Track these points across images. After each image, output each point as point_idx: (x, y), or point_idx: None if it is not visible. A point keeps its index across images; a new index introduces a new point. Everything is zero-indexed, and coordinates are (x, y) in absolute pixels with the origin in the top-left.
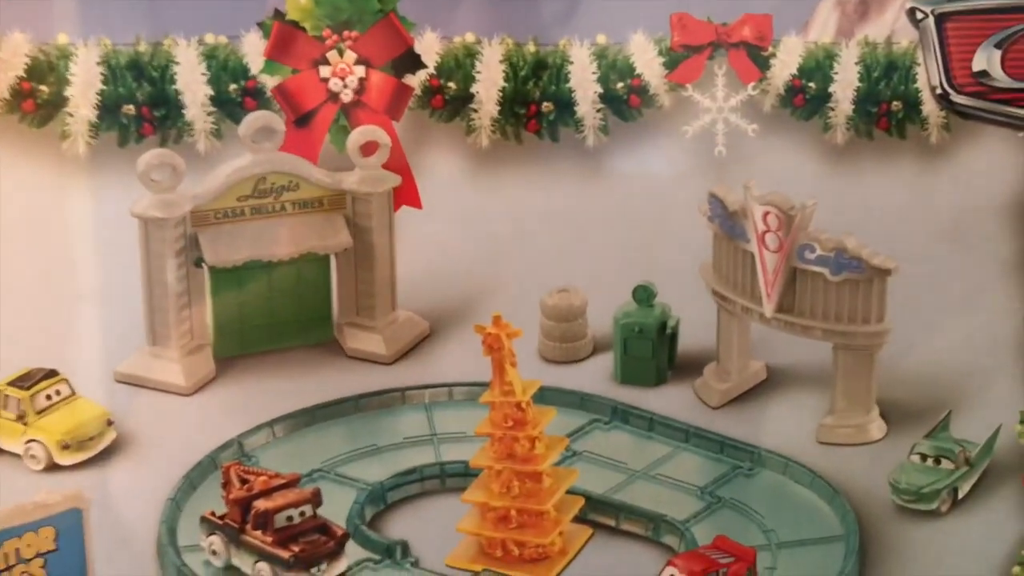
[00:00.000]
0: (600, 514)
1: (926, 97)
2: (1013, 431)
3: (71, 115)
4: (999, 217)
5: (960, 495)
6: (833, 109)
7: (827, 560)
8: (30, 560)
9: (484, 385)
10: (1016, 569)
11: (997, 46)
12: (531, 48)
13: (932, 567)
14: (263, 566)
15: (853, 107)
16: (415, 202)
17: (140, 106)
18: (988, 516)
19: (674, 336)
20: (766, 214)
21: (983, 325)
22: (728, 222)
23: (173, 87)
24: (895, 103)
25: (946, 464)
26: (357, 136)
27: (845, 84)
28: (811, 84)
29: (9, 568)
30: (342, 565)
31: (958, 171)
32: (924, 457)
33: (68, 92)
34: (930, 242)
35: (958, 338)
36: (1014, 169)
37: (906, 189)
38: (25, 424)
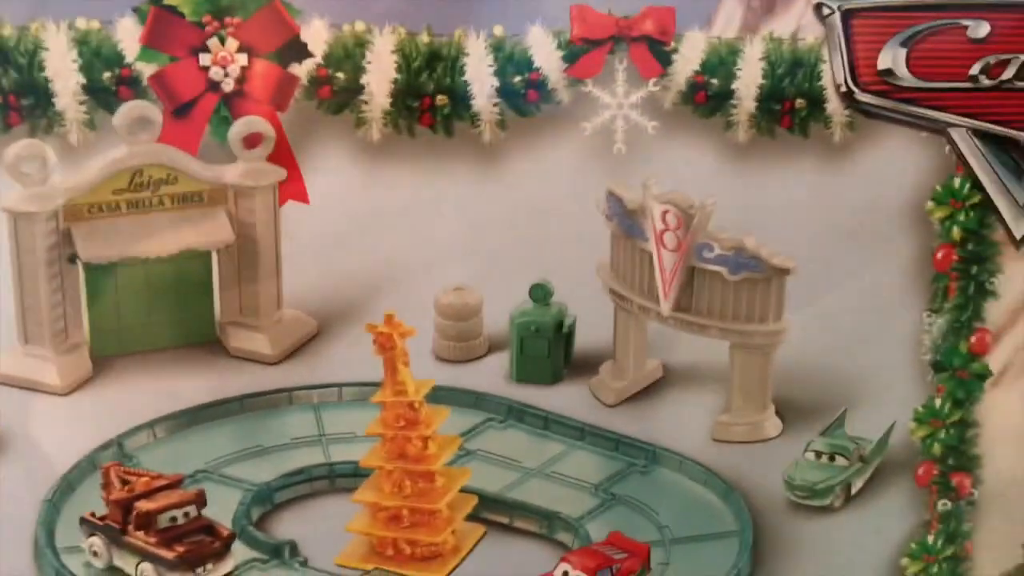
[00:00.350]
0: (494, 512)
1: (831, 95)
2: (907, 428)
3: None
4: (899, 217)
5: (853, 491)
6: (736, 106)
7: (721, 555)
8: None
9: (375, 385)
10: (905, 561)
11: (903, 44)
12: (425, 39)
13: (825, 561)
14: (147, 567)
15: (756, 104)
16: (302, 196)
17: (6, 94)
18: (880, 511)
19: (570, 335)
20: (665, 212)
21: (880, 324)
22: (626, 220)
23: (42, 74)
24: (799, 101)
25: (840, 461)
26: (240, 127)
27: (749, 81)
28: (714, 80)
29: None
30: (228, 565)
31: (860, 171)
32: (819, 454)
33: None
34: (830, 241)
35: (855, 337)
36: (915, 169)
37: (808, 188)
38: None
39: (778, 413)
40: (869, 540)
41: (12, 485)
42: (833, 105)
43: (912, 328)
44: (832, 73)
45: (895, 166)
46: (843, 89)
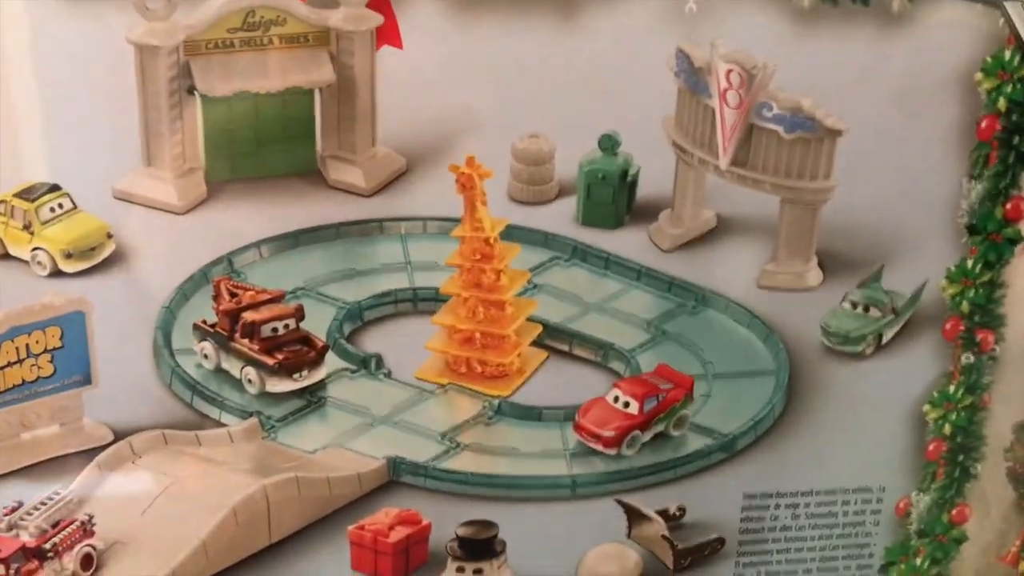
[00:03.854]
0: (556, 340)
1: None
2: (938, 286)
3: None
4: (949, 87)
5: (884, 340)
6: None
7: (758, 391)
8: (39, 355)
9: (456, 220)
10: (926, 407)
11: None
12: None
13: (853, 402)
14: (250, 370)
15: None
16: (396, 42)
17: None
18: (908, 360)
19: (634, 183)
20: (729, 72)
21: (921, 187)
22: (693, 78)
23: None
24: None
25: (874, 312)
26: None
27: None
28: None
29: (20, 361)
30: (321, 373)
31: (915, 40)
32: (855, 305)
33: None
34: (881, 106)
35: (897, 198)
36: (969, 42)
37: (864, 55)
38: (31, 233)
39: (820, 265)
40: (895, 386)
41: (133, 292)
42: None
43: (951, 192)
44: None
45: (949, 38)
46: None
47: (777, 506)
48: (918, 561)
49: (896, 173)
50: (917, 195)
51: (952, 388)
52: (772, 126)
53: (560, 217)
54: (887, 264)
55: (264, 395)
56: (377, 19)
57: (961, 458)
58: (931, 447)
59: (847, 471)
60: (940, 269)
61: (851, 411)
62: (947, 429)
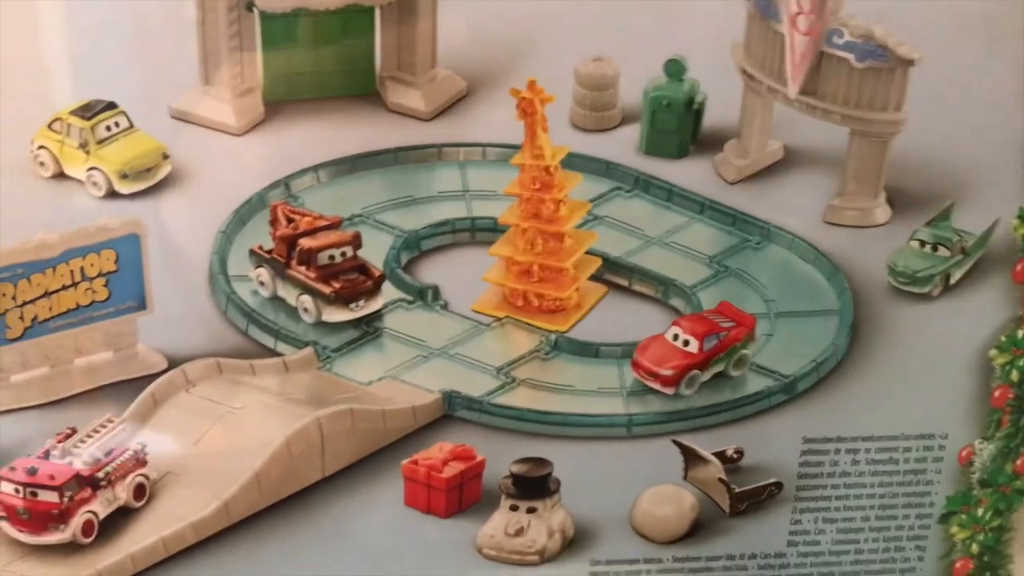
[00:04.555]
0: (615, 274)
1: None
2: (1010, 225)
3: None
4: None
5: (952, 281)
6: None
7: (821, 332)
8: (93, 279)
9: (516, 147)
10: (993, 352)
11: None
12: None
13: (918, 345)
14: (306, 299)
15: None
16: None
17: None
18: (975, 303)
19: (700, 111)
20: None
21: (995, 123)
22: (763, 1)
23: None
24: None
25: (942, 251)
26: None
27: None
28: None
29: (74, 284)
30: (378, 303)
31: None
32: (923, 243)
33: None
34: (956, 36)
35: (970, 133)
36: None
37: None
38: (87, 153)
39: (889, 201)
40: (962, 329)
41: (189, 216)
42: None
43: None
44: None
45: None
46: None
47: (837, 451)
48: (979, 511)
49: (970, 107)
50: (992, 130)
51: (1021, 333)
52: (843, 54)
53: (623, 145)
54: (957, 202)
55: (320, 324)
56: None
57: None
58: (996, 394)
59: (909, 416)
60: (1012, 208)
61: (915, 354)
62: (1014, 375)
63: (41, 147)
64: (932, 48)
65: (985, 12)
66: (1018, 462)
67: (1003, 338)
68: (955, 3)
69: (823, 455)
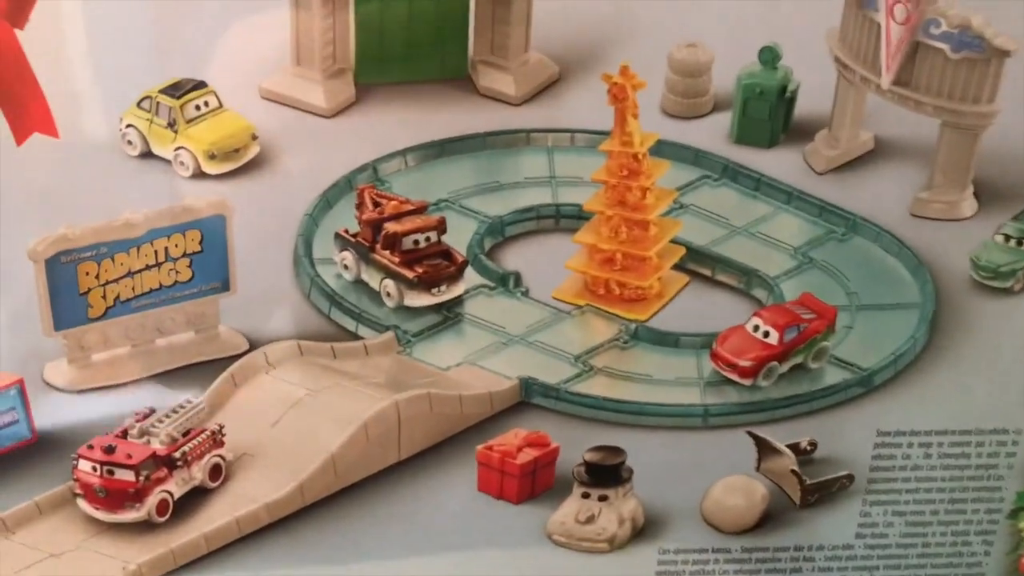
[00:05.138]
0: (698, 264)
1: None
2: None
3: None
4: None
5: None
6: None
7: (901, 324)
8: (177, 259)
9: (605, 133)
10: None
11: None
12: None
13: (998, 341)
14: (389, 283)
15: None
16: None
17: None
18: None
19: (792, 100)
20: None
21: None
22: None
23: None
24: None
25: None
26: None
27: None
28: None
29: (158, 264)
30: (460, 288)
31: None
32: (1008, 238)
33: None
34: None
35: None
36: None
37: None
38: (175, 132)
39: (975, 194)
40: None
41: (276, 197)
42: None
43: None
44: None
45: None
46: None
47: (910, 444)
48: None
49: None
50: None
51: None
52: (939, 44)
53: (714, 133)
54: None
55: (401, 309)
56: None
57: None
58: None
59: (984, 411)
60: None
61: (994, 348)
62: None
63: (129, 125)
64: None
65: None
66: None
67: None
68: None
69: (896, 448)
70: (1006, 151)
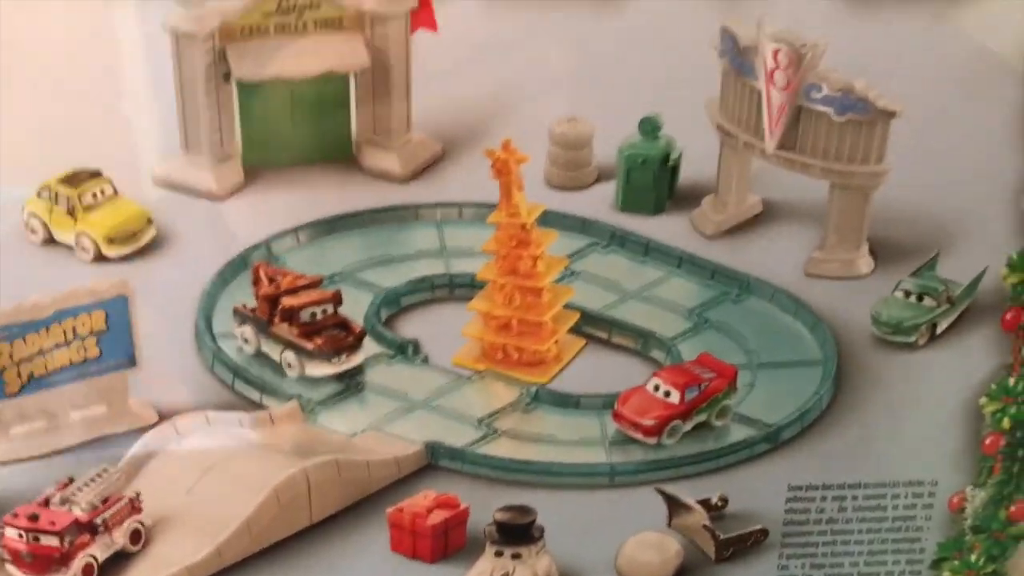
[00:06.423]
0: (594, 327)
1: None
2: (998, 274)
3: None
4: (1008, 69)
5: (939, 331)
6: None
7: (804, 382)
8: (85, 338)
9: (492, 206)
10: (983, 400)
11: None
12: None
13: (904, 394)
14: (290, 355)
15: None
16: (431, 24)
17: None
18: (963, 352)
19: (676, 167)
20: (777, 51)
21: (980, 172)
22: (738, 58)
23: None
24: None
25: (928, 301)
26: None
27: None
28: None
29: (68, 343)
30: (359, 357)
31: (973, 22)
32: (908, 293)
33: None
34: (936, 88)
35: (954, 183)
36: None
37: (919, 36)
38: (75, 219)
39: (871, 252)
40: (950, 378)
41: (175, 278)
42: None
43: (1011, 177)
44: None
45: (1008, 19)
46: None
47: (823, 498)
48: (973, 557)
49: (953, 157)
50: (976, 180)
51: (1012, 381)
52: (822, 108)
53: (599, 202)
54: (943, 252)
55: (303, 379)
56: (411, 2)
57: (1021, 453)
58: (988, 441)
59: (898, 464)
60: (1000, 257)
61: (902, 403)
62: (1006, 423)
63: (32, 214)
64: (913, 99)
65: (961, 67)
66: (1012, 509)
67: (993, 386)
68: (932, 57)
69: (809, 502)
70: (900, 208)
